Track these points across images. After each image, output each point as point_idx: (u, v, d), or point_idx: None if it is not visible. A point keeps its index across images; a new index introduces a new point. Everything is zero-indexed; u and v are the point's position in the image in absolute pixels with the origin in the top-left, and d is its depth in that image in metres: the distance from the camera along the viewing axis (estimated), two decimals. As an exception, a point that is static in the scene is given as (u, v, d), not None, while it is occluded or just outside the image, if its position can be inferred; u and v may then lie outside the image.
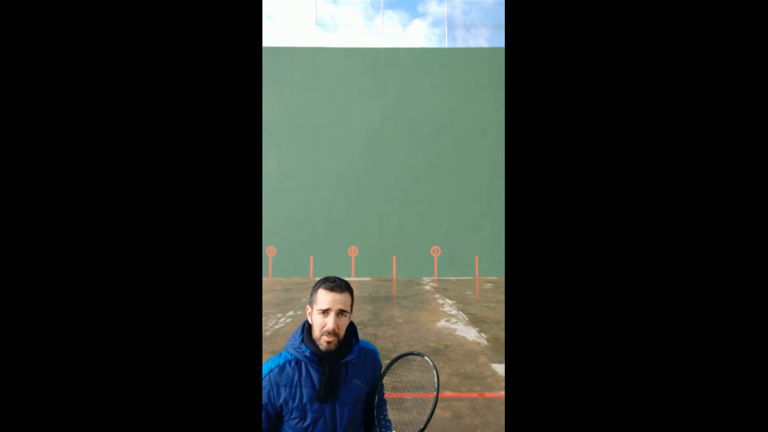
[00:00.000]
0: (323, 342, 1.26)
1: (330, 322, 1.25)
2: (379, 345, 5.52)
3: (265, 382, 1.26)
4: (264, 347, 5.43)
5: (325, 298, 1.27)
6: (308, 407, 1.25)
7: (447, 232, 13.85)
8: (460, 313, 7.81)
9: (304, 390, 1.26)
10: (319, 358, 1.27)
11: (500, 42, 15.00)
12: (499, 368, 4.71)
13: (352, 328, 1.36)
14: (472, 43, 15.65)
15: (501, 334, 6.20)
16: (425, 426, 1.24)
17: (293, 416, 1.25)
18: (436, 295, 9.88)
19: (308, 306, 1.33)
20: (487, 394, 3.97)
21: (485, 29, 15.37)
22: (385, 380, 1.42)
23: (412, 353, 1.43)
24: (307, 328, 1.32)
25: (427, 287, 11.32)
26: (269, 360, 1.32)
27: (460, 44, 15.18)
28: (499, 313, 7.77)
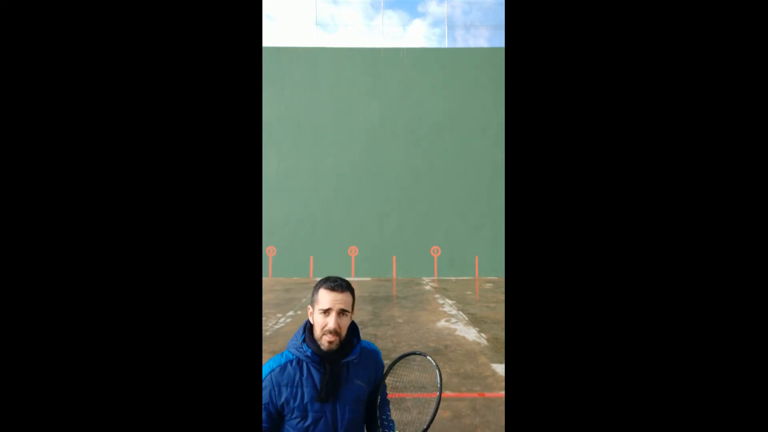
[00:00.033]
0: (325, 342, 1.26)
1: (331, 321, 1.25)
2: (379, 345, 5.52)
3: (266, 382, 1.26)
4: (264, 347, 5.43)
5: (326, 297, 1.27)
6: (309, 407, 1.25)
7: (447, 232, 13.85)
8: (460, 313, 7.81)
9: (305, 390, 1.26)
10: (321, 357, 1.27)
11: (500, 42, 15.01)
12: (499, 368, 4.71)
13: (353, 328, 1.36)
14: (472, 43, 15.67)
15: (501, 334, 6.20)
16: (428, 425, 1.24)
17: (294, 416, 1.25)
18: (436, 295, 9.88)
19: (309, 306, 1.33)
20: (487, 394, 3.97)
21: (485, 29, 15.38)
22: (387, 380, 1.42)
23: (414, 353, 1.43)
24: (308, 327, 1.32)
25: (427, 287, 11.32)
26: (271, 359, 1.32)
27: (460, 44, 15.19)
28: (499, 313, 7.76)
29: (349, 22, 17.32)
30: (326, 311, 1.26)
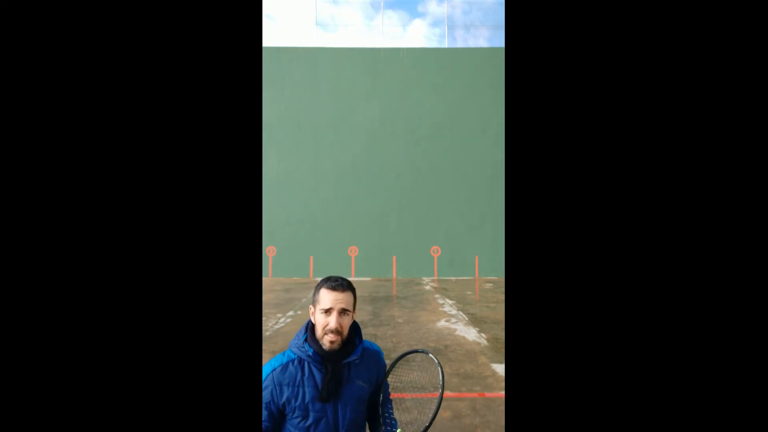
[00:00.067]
0: (326, 341, 1.26)
1: (332, 321, 1.25)
2: (379, 345, 5.51)
3: (268, 381, 1.27)
4: (264, 347, 5.43)
5: (327, 297, 1.27)
6: (310, 407, 1.25)
7: (447, 232, 13.85)
8: (460, 313, 7.81)
9: (306, 389, 1.26)
10: (322, 357, 1.27)
11: (500, 42, 15.00)
12: (499, 368, 4.71)
13: (355, 328, 1.36)
14: (472, 43, 15.66)
15: (501, 334, 6.20)
16: (431, 423, 1.24)
17: (296, 415, 1.26)
18: (436, 295, 9.88)
19: (311, 306, 1.34)
20: (487, 394, 3.97)
21: (485, 29, 15.38)
22: (388, 380, 1.42)
23: (417, 350, 1.43)
24: (310, 327, 1.33)
25: (427, 287, 11.32)
26: (273, 359, 1.32)
27: (460, 44, 15.19)
28: (499, 313, 7.76)
29: (349, 22, 17.32)
30: (327, 311, 1.26)
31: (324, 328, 1.26)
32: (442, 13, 15.68)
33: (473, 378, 4.41)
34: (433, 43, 16.67)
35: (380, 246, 13.78)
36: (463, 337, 6.06)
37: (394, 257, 13.75)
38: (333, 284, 1.29)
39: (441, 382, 1.32)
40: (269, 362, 1.31)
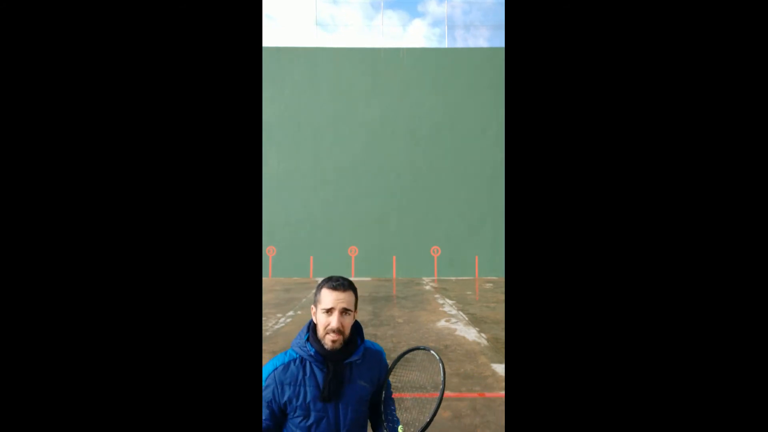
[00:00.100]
0: (328, 341, 1.26)
1: (334, 320, 1.25)
2: (379, 345, 5.51)
3: (269, 380, 1.27)
4: (264, 347, 5.44)
5: (328, 297, 1.27)
6: (312, 406, 1.25)
7: (447, 232, 13.85)
8: (460, 313, 7.81)
9: (307, 389, 1.26)
10: (324, 357, 1.27)
11: (500, 42, 15.00)
12: (499, 368, 4.71)
13: (357, 328, 1.36)
14: (472, 43, 15.66)
15: (501, 334, 6.20)
16: (432, 417, 1.24)
17: (297, 414, 1.26)
18: (436, 295, 9.88)
19: (313, 306, 1.34)
20: (487, 394, 3.97)
21: (485, 29, 15.38)
22: (390, 379, 1.42)
23: (418, 347, 1.43)
24: (312, 327, 1.33)
25: (427, 287, 11.32)
26: (275, 357, 1.33)
27: (460, 44, 15.19)
28: (499, 313, 7.76)
29: (349, 22, 17.32)
30: (329, 310, 1.27)
31: (325, 328, 1.26)
32: (442, 13, 15.68)
33: (473, 378, 4.41)
34: (433, 43, 16.68)
35: (380, 246, 13.78)
36: (463, 337, 6.06)
37: (394, 257, 13.76)
38: (334, 284, 1.29)
39: (442, 378, 1.32)
40: (271, 361, 1.31)
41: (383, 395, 1.39)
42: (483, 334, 6.20)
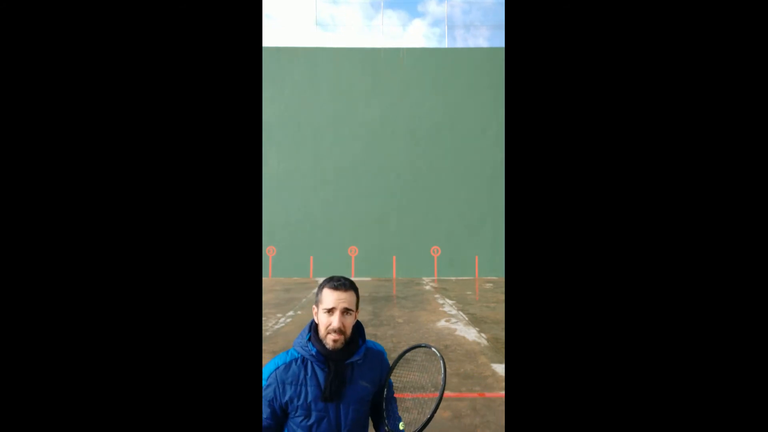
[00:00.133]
0: (329, 341, 1.26)
1: (335, 320, 1.26)
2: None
3: (271, 379, 1.27)
4: (264, 347, 5.44)
5: (329, 297, 1.27)
6: (313, 406, 1.26)
7: (447, 232, 13.85)
8: (460, 313, 7.81)
9: (309, 389, 1.26)
10: (325, 357, 1.27)
11: (500, 42, 15.00)
12: (499, 368, 4.71)
13: (359, 328, 1.36)
14: (472, 43, 15.66)
15: (501, 334, 6.20)
16: (433, 413, 1.25)
17: (298, 414, 1.26)
18: (436, 295, 9.88)
19: (314, 306, 1.34)
20: (487, 394, 3.97)
21: (485, 29, 15.38)
22: (391, 378, 1.42)
23: (419, 345, 1.43)
24: (314, 327, 1.33)
25: (427, 287, 11.32)
26: (277, 357, 1.33)
27: (459, 44, 15.19)
28: (499, 313, 7.76)
29: (349, 22, 17.32)
30: (330, 310, 1.27)
31: (327, 328, 1.27)
32: (441, 13, 15.69)
33: (473, 378, 4.41)
34: (433, 43, 16.69)
35: (380, 246, 13.78)
36: (463, 337, 6.06)
37: (394, 257, 13.75)
38: (336, 284, 1.29)
39: (443, 373, 1.32)
40: (273, 360, 1.32)
41: (385, 395, 1.39)
42: (483, 334, 6.20)
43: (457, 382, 4.29)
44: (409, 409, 1.41)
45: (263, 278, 12.93)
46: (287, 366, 1.28)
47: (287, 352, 1.33)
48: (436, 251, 13.79)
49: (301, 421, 1.26)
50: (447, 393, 3.97)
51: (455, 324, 6.89)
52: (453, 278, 13.34)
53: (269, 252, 13.70)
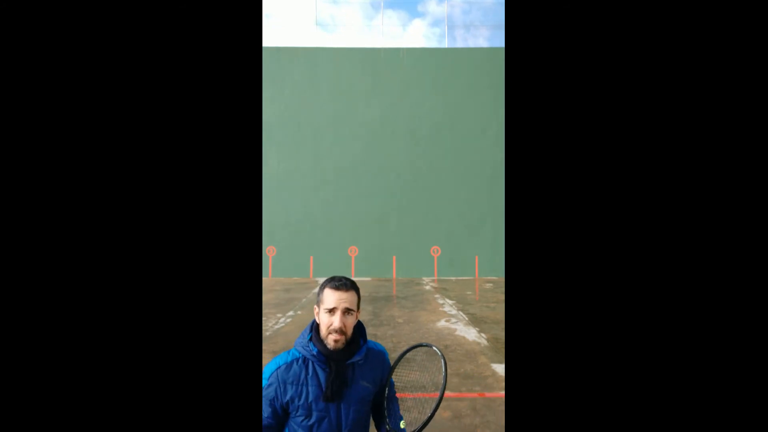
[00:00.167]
0: (330, 341, 1.26)
1: (336, 320, 1.26)
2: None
3: (272, 378, 1.27)
4: (264, 347, 5.43)
5: (331, 297, 1.27)
6: (314, 406, 1.26)
7: (447, 232, 13.85)
8: (460, 313, 7.81)
9: (310, 388, 1.26)
10: (326, 357, 1.27)
11: (500, 42, 15.00)
12: (499, 368, 4.71)
13: (360, 328, 1.36)
14: (472, 42, 15.66)
15: (501, 334, 6.20)
16: (434, 411, 1.25)
17: (299, 414, 1.26)
18: (436, 295, 9.88)
19: (316, 306, 1.34)
20: (487, 394, 3.97)
21: (485, 29, 15.38)
22: (392, 378, 1.42)
23: (420, 344, 1.43)
24: (315, 327, 1.33)
25: (427, 287, 11.32)
26: (278, 356, 1.33)
27: (459, 44, 15.19)
28: (499, 313, 7.76)
29: (349, 22, 17.32)
30: (331, 310, 1.27)
31: (328, 328, 1.27)
32: (441, 13, 15.69)
33: (473, 378, 4.41)
34: (433, 43, 16.69)
35: (380, 246, 13.77)
36: (463, 337, 6.06)
37: (394, 257, 13.75)
38: (337, 284, 1.29)
39: (444, 372, 1.32)
40: (274, 360, 1.32)
41: (387, 394, 1.39)
42: (483, 334, 6.20)
43: (457, 382, 4.29)
44: (410, 408, 1.41)
45: (263, 278, 12.93)
46: (288, 366, 1.28)
47: (288, 351, 1.33)
48: (436, 251, 13.79)
49: (302, 421, 1.26)
50: (447, 393, 3.97)
51: (455, 324, 6.89)
52: (453, 278, 13.34)
53: (269, 252, 13.70)
